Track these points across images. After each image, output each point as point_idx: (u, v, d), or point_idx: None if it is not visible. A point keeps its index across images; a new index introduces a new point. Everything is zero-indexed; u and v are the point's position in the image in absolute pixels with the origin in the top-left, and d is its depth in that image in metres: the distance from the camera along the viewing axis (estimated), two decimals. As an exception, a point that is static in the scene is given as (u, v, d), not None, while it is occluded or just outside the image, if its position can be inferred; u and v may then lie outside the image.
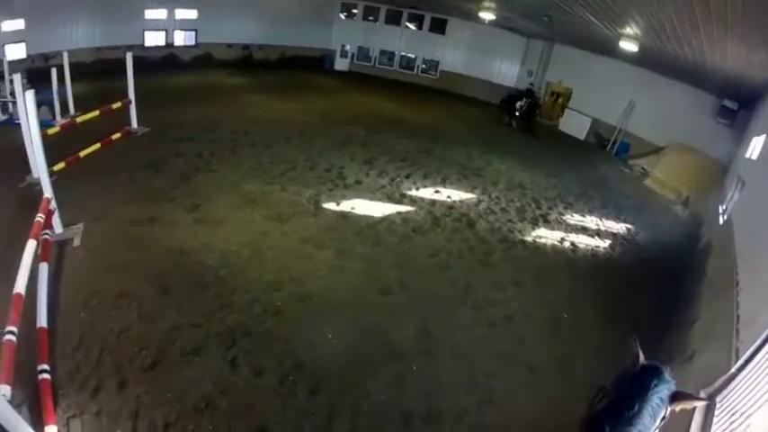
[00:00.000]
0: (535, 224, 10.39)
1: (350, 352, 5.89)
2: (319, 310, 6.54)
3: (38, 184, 7.43)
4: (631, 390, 2.30)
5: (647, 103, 17.59)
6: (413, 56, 25.64)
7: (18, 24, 18.67)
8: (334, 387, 5.34)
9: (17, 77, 8.26)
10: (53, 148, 9.16)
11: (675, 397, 2.32)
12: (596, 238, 10.28)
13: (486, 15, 18.06)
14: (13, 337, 4.38)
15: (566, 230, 10.32)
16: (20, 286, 4.92)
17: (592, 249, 9.73)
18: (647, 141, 17.62)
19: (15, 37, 18.68)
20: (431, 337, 6.39)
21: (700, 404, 3.49)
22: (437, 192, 11.01)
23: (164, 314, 6.14)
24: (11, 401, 3.85)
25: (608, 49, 15.45)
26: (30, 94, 6.84)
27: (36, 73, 15.48)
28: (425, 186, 11.22)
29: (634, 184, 15.21)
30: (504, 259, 8.72)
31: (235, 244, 7.83)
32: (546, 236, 9.90)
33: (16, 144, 8.41)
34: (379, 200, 10.13)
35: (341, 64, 26.73)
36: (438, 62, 25.16)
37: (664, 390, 2.29)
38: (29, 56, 18.82)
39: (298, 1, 24.75)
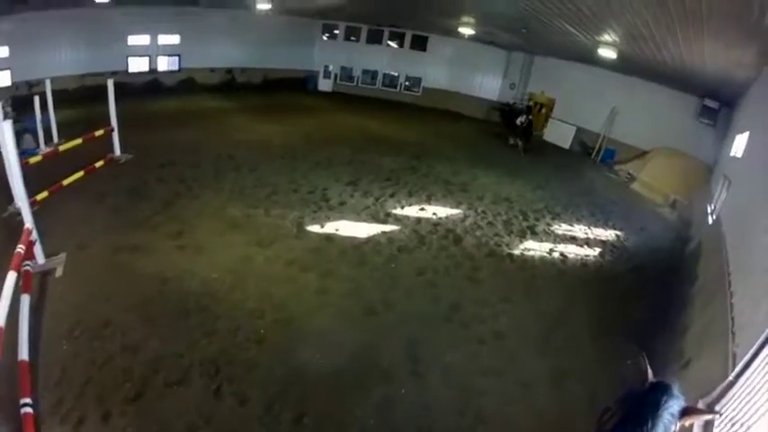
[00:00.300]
0: (523, 237, 10.24)
1: (336, 376, 5.72)
2: (303, 335, 6.39)
3: (20, 213, 7.32)
4: (642, 407, 2.35)
5: (630, 108, 17.72)
6: (395, 74, 25.66)
7: (3, 52, 18.64)
8: (320, 413, 5.18)
9: None
10: (37, 176, 9.12)
11: (685, 412, 2.40)
12: (585, 247, 10.16)
13: (466, 31, 18.26)
14: None
15: (554, 241, 10.18)
16: None
17: (581, 259, 9.59)
18: (632, 146, 17.70)
19: (0, 64, 18.65)
20: (419, 357, 6.21)
21: (708, 418, 3.61)
22: (422, 209, 10.86)
23: (147, 344, 6.01)
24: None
25: (588, 57, 15.58)
26: (7, 124, 6.89)
27: (20, 100, 15.35)
28: (410, 204, 11.09)
29: (621, 189, 15.20)
30: (491, 274, 8.56)
31: (218, 270, 7.68)
32: (534, 248, 9.76)
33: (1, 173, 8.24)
34: (364, 220, 9.99)
35: (324, 84, 26.77)
36: (420, 79, 25.20)
37: (674, 406, 2.35)
38: (13, 83, 18.73)
39: (279, 24, 24.81)
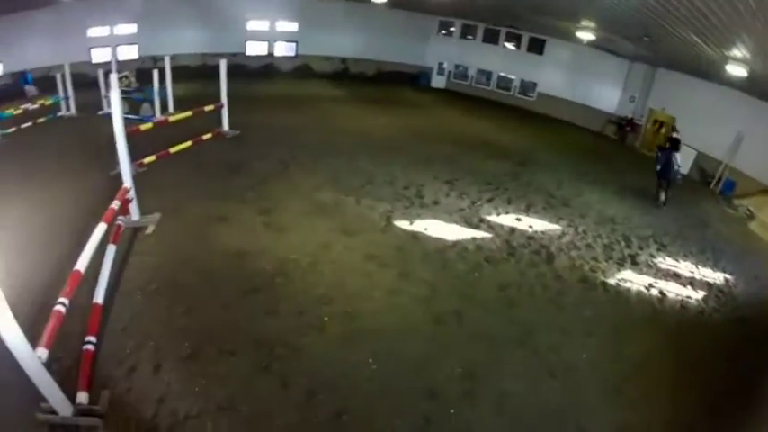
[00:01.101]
0: (621, 265, 9.32)
1: (385, 381, 5.55)
2: (365, 332, 6.28)
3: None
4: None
5: (758, 136, 15.54)
6: (511, 76, 24.79)
7: (132, 29, 21.48)
8: (361, 415, 5.07)
9: (113, 77, 8.91)
10: (150, 141, 9.88)
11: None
12: (689, 287, 9.01)
13: (585, 36, 17.15)
14: (63, 308, 4.74)
15: (655, 275, 9.16)
16: (80, 264, 5.25)
17: (682, 300, 8.52)
18: (755, 180, 15.82)
19: (129, 40, 21.32)
20: (477, 378, 5.81)
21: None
22: (518, 220, 10.31)
23: (211, 310, 6.34)
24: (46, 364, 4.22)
25: (714, 73, 14.01)
26: (115, 93, 7.51)
27: (145, 73, 16.72)
28: (507, 213, 10.57)
29: (738, 227, 13.55)
30: (579, 301, 7.85)
31: (296, 252, 7.85)
32: (632, 279, 8.85)
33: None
34: (455, 222, 9.70)
35: (438, 81, 26.65)
36: (535, 84, 24.09)
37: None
38: (139, 57, 21.38)
39: (396, 17, 25.03)
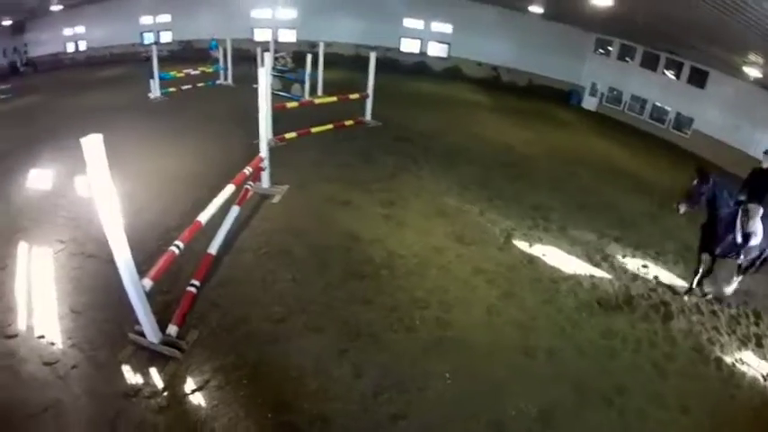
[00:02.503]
0: (744, 344, 7.79)
1: (455, 399, 5.36)
2: (451, 344, 6.16)
3: (268, 143, 9.01)
4: None
5: None
6: (666, 107, 22.74)
7: (292, 14, 24.75)
8: (419, 424, 4.98)
9: (268, 56, 9.91)
10: (294, 120, 10.69)
11: None
12: None
13: (751, 72, 15.39)
14: (176, 250, 5.38)
15: None
16: (203, 216, 6.01)
17: None
18: None
19: (289, 24, 23.64)
20: (549, 423, 5.32)
21: None
22: (645, 267, 9.40)
23: (313, 286, 6.75)
24: (149, 293, 4.95)
25: None
26: (263, 69, 8.48)
27: (301, 56, 18.03)
28: (634, 257, 9.68)
29: None
30: (685, 372, 6.81)
31: (407, 249, 7.98)
32: (751, 363, 7.35)
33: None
34: (576, 255, 9.17)
35: (589, 102, 25.68)
36: (692, 119, 21.68)
37: None
38: (297, 41, 23.64)
39: (552, 30, 24.42)
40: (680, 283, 9.10)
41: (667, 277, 9.27)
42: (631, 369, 6.61)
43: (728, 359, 7.38)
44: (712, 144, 20.91)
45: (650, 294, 8.55)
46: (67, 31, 27.28)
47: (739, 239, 7.53)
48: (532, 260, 8.68)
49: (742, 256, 7.93)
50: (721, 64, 18.83)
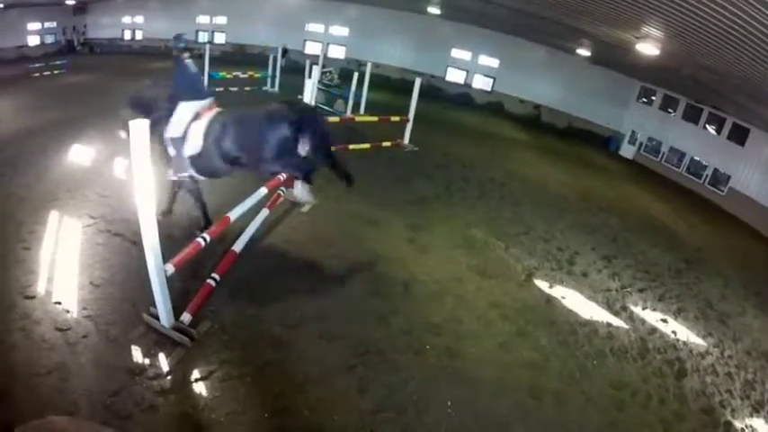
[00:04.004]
0: (757, 411, 7.58)
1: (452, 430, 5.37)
2: (458, 375, 6.18)
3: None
4: None
5: None
6: (704, 162, 22.23)
7: (344, 32, 26.37)
8: None
9: (316, 70, 10.35)
10: (335, 135, 11.11)
11: None
12: None
13: None
14: (203, 242, 5.70)
15: None
16: (232, 213, 6.39)
17: None
18: None
19: (340, 41, 24.90)
20: None
21: None
22: (664, 321, 9.29)
23: (330, 297, 6.91)
24: (169, 278, 5.21)
25: None
26: (309, 83, 9.22)
27: (349, 74, 18.64)
28: (654, 309, 9.60)
29: None
30: None
31: (428, 275, 8.10)
32: (761, 431, 7.18)
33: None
34: (596, 302, 9.16)
35: (627, 150, 25.53)
36: (729, 177, 21.04)
37: None
38: (346, 58, 24.61)
39: (597, 74, 24.60)
40: (698, 342, 9.02)
41: (685, 334, 9.15)
42: (639, 424, 6.52)
43: (738, 425, 7.25)
44: (748, 203, 20.37)
45: (666, 349, 8.45)
46: (126, 19, 29.30)
47: None
48: (551, 301, 8.73)
49: None
50: (762, 121, 18.49)
